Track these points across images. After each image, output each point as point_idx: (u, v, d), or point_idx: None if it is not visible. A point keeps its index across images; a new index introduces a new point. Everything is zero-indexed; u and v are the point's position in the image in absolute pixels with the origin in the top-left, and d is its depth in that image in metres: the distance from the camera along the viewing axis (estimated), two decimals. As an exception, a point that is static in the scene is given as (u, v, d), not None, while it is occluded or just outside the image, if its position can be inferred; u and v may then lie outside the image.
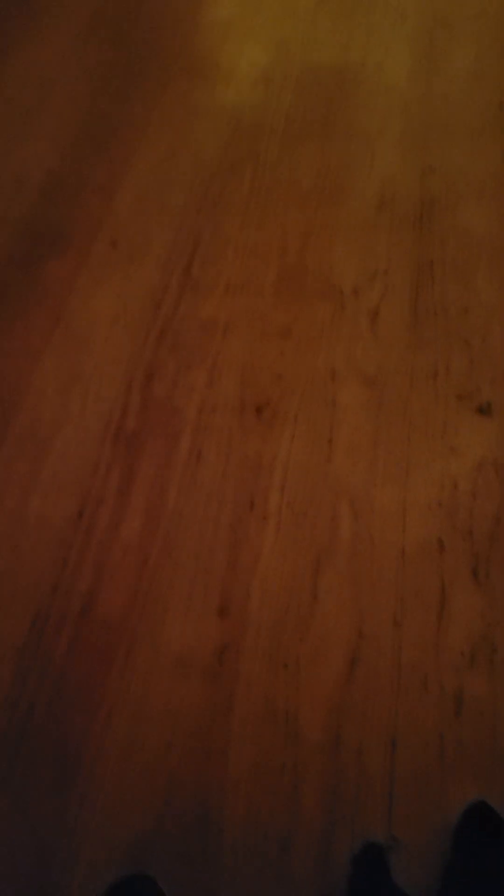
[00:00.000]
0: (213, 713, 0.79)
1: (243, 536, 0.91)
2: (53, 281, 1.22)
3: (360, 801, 0.73)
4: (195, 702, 0.80)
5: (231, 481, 0.96)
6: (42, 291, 1.21)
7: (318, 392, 1.02)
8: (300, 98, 1.47)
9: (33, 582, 0.90)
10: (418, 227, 1.19)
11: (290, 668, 0.81)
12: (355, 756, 0.75)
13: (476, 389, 1.00)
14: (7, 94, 1.59)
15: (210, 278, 1.19)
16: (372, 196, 1.26)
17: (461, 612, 0.83)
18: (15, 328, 1.16)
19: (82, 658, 0.84)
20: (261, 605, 0.86)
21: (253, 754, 0.77)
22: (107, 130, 1.47)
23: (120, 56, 1.64)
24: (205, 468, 0.97)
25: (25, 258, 1.27)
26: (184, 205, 1.31)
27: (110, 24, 1.73)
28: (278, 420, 1.00)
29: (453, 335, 1.05)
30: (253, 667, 0.81)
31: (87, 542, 0.93)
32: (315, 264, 1.18)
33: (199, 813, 0.74)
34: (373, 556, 0.87)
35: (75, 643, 0.85)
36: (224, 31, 1.66)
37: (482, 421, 0.97)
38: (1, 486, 0.99)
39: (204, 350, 1.09)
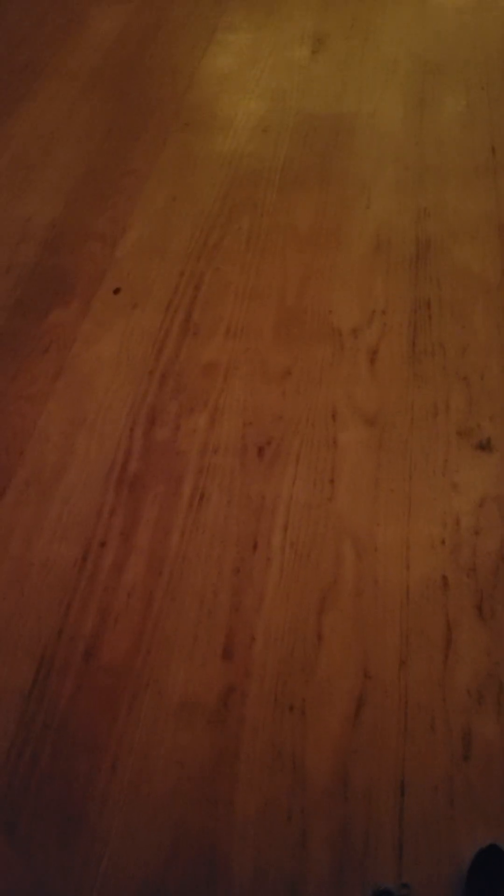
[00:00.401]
0: (219, 759, 0.78)
1: (247, 578, 0.91)
2: (58, 328, 1.25)
3: (370, 847, 0.72)
4: (201, 748, 0.79)
5: (234, 523, 0.96)
6: (47, 338, 1.23)
7: (319, 432, 1.03)
8: (296, 146, 1.50)
9: (38, 627, 0.90)
10: (415, 268, 1.21)
11: (296, 711, 0.80)
12: (364, 801, 0.74)
13: (476, 426, 1.00)
14: (12, 151, 1.63)
15: (211, 322, 1.20)
16: (368, 239, 1.28)
17: (467, 650, 0.82)
18: (20, 375, 1.18)
19: (87, 704, 0.84)
20: (265, 648, 0.85)
21: (260, 801, 0.75)
22: (109, 182, 1.51)
23: (120, 111, 1.69)
24: (208, 510, 0.98)
25: (31, 306, 1.29)
26: (184, 251, 1.34)
27: (111, 81, 1.79)
28: (280, 460, 1.01)
29: (452, 373, 1.06)
30: (258, 710, 0.81)
31: (92, 587, 0.93)
32: (314, 306, 1.19)
33: (206, 862, 0.73)
34: (377, 595, 0.87)
35: (80, 689, 0.85)
36: (221, 84, 1.71)
37: (483, 457, 0.97)
38: (6, 530, 1.00)
39: (206, 393, 1.11)
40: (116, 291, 1.29)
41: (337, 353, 1.12)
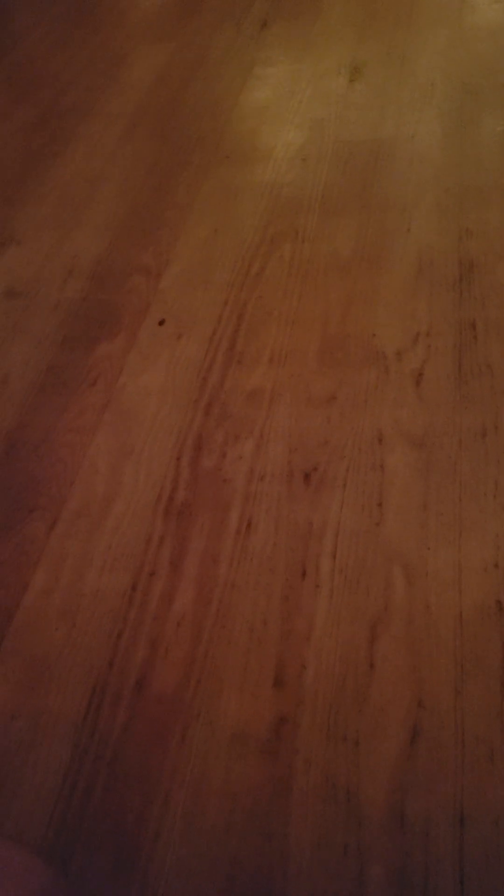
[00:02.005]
0: (272, 792, 0.77)
1: (296, 605, 0.90)
2: (105, 361, 1.27)
3: (430, 882, 0.69)
4: (253, 780, 0.78)
5: (282, 550, 0.95)
6: (95, 371, 1.25)
7: (365, 456, 1.02)
8: (336, 173, 1.51)
9: (89, 657, 0.91)
10: (458, 289, 1.20)
11: (349, 742, 0.78)
12: (422, 834, 0.72)
13: (527, 446, 0.98)
14: (59, 192, 1.68)
15: (255, 350, 1.21)
16: (411, 262, 1.28)
17: (525, 678, 0.79)
18: (69, 407, 1.20)
19: (139, 735, 0.83)
20: (317, 676, 0.84)
21: (315, 834, 0.74)
22: (152, 217, 1.55)
23: (163, 147, 1.73)
24: (255, 537, 0.97)
25: (78, 341, 1.32)
26: (227, 281, 1.35)
27: (153, 119, 1.84)
28: (327, 485, 1.00)
29: (500, 393, 1.04)
30: (311, 741, 0.79)
31: (142, 616, 0.93)
32: (357, 331, 1.19)
33: (261, 898, 0.71)
34: (429, 621, 0.85)
35: (132, 720, 0.85)
36: (260, 117, 1.74)
37: (535, 478, 0.95)
38: (57, 561, 1.01)
39: (251, 420, 1.11)
40: (161, 323, 1.31)
41: (381, 376, 1.12)
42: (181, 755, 0.81)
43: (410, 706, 0.80)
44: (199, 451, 1.09)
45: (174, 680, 0.87)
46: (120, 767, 0.81)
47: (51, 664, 0.91)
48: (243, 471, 1.05)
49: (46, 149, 1.85)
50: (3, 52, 2.37)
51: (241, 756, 0.80)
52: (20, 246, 1.57)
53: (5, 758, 0.85)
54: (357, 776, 0.76)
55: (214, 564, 0.96)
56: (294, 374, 1.16)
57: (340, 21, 2.03)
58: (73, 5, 2.53)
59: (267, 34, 2.06)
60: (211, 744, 0.81)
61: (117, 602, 0.95)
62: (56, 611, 0.96)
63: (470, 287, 1.20)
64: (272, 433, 1.08)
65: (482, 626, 0.84)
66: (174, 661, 0.88)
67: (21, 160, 1.83)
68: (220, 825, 0.76)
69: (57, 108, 1.99)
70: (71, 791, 0.80)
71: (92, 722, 0.85)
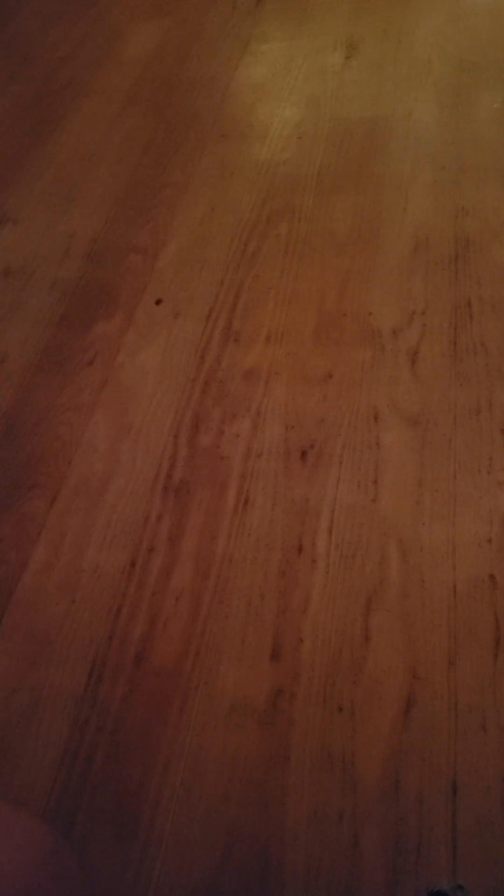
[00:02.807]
0: (270, 761, 0.79)
1: (293, 580, 0.91)
2: (102, 340, 1.27)
3: (423, 850, 0.71)
4: (251, 750, 0.80)
5: (279, 526, 0.97)
6: (92, 350, 1.26)
7: (361, 434, 1.03)
8: (332, 151, 1.51)
9: (89, 632, 0.92)
10: (454, 268, 1.21)
11: (345, 713, 0.80)
12: (416, 802, 0.74)
13: (521, 424, 0.99)
14: (55, 169, 1.68)
15: (251, 329, 1.22)
16: (407, 240, 1.28)
17: (517, 649, 0.81)
18: (67, 386, 1.21)
19: (138, 707, 0.85)
20: (313, 649, 0.85)
21: (311, 803, 0.76)
22: (148, 195, 1.54)
23: (159, 125, 1.72)
24: (252, 514, 0.99)
25: (75, 320, 1.32)
26: (224, 260, 1.35)
27: (148, 96, 1.82)
28: (323, 463, 1.01)
29: (494, 371, 1.05)
30: (307, 712, 0.81)
31: (141, 592, 0.94)
32: (353, 309, 1.20)
33: (259, 864, 0.73)
34: (423, 595, 0.87)
35: (131, 692, 0.86)
36: (256, 94, 1.73)
37: (529, 455, 0.96)
38: (57, 538, 1.02)
39: (248, 398, 1.12)
40: (158, 302, 1.31)
41: (377, 354, 1.12)
42: (180, 726, 0.83)
43: (405, 677, 0.81)
44: (196, 429, 1.10)
45: (173, 653, 0.88)
46: (120, 738, 0.83)
47: (51, 638, 0.93)
48: (241, 448, 1.06)
49: (41, 126, 1.84)
50: (-3, 27, 2.35)
51: (239, 727, 0.82)
52: (16, 225, 1.56)
53: (7, 729, 0.86)
54: (352, 746, 0.78)
55: (212, 540, 0.97)
56: (290, 353, 1.16)
57: (337, -4, 2.01)
58: (67, -20, 2.50)
59: (262, 10, 2.04)
60: (209, 715, 0.83)
61: (116, 578, 0.96)
62: (56, 586, 0.97)
63: (466, 265, 1.21)
64: (269, 411, 1.09)
65: (475, 600, 0.85)
66: (173, 634, 0.90)
67: (16, 138, 1.82)
68: (219, 794, 0.78)
69: (52, 85, 1.98)
70: (72, 761, 0.82)
71: (92, 694, 0.87)
